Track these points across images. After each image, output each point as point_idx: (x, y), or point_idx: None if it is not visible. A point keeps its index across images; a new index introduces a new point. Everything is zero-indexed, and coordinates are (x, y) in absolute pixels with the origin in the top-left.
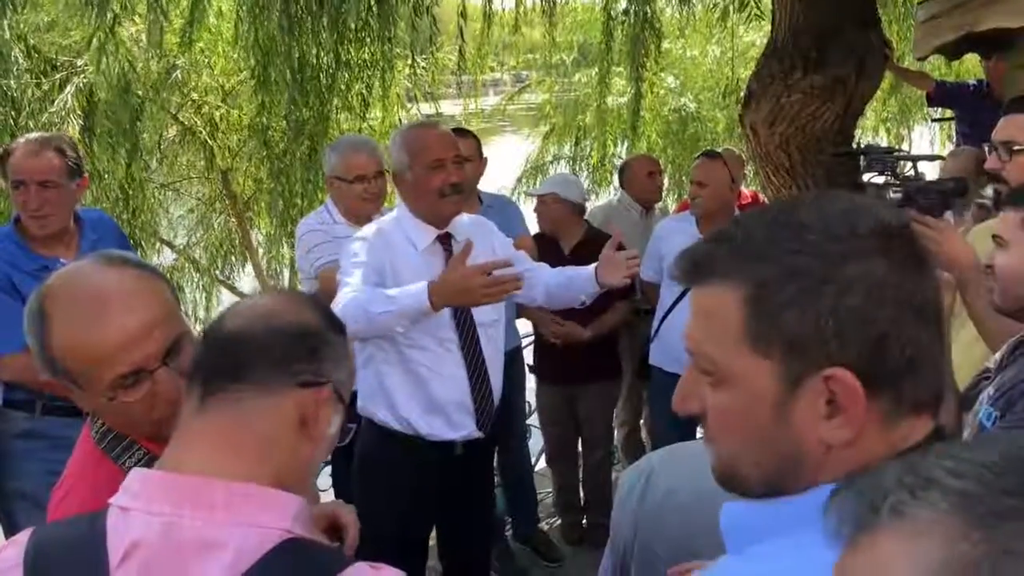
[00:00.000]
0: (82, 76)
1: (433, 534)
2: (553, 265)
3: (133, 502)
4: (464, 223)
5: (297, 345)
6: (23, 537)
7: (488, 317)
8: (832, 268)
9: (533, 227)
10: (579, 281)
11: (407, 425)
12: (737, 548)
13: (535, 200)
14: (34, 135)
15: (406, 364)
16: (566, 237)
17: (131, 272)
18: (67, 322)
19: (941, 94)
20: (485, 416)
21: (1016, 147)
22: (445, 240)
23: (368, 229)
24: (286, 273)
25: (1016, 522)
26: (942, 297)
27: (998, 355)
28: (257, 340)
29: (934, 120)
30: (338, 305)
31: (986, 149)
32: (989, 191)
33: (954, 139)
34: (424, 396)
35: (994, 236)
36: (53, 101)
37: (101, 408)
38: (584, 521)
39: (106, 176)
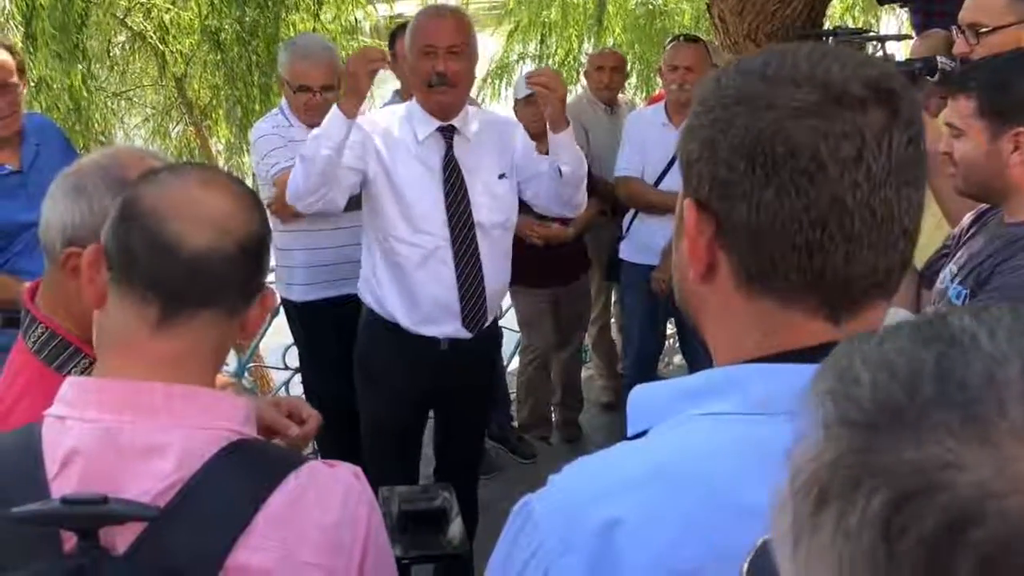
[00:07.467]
0: None
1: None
2: None
3: (69, 410)
4: (480, 118)
5: (256, 264)
6: None
7: (489, 219)
8: None
9: None
10: (552, 157)
11: (390, 316)
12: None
13: (521, 103)
14: None
15: (392, 257)
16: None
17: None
18: None
19: None
20: (474, 317)
21: (983, 29)
22: (447, 132)
23: (369, 117)
24: (248, 181)
25: None
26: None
27: (957, 229)
28: (226, 265)
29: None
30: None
31: (954, 32)
32: None
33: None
34: (407, 290)
35: (947, 123)
36: None
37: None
38: (554, 417)
39: (54, 86)
